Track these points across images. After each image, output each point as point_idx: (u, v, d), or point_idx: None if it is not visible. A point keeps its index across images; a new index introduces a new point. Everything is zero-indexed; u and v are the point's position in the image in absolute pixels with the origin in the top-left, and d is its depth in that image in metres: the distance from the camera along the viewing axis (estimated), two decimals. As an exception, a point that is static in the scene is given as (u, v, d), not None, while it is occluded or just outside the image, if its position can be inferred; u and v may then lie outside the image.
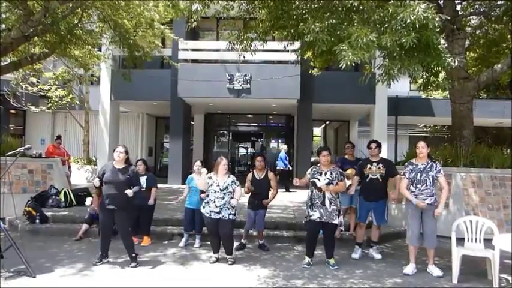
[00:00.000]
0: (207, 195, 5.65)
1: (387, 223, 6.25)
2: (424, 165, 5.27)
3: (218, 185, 5.55)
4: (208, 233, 5.81)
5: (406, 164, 5.50)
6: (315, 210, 5.44)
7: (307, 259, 5.52)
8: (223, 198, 5.51)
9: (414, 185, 5.26)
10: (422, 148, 5.27)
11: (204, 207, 5.65)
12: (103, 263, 5.40)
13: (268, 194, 6.27)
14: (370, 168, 5.95)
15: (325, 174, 5.46)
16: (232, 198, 5.53)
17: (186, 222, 6.54)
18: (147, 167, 6.76)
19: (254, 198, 6.26)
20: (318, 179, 5.46)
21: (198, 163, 6.69)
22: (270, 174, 6.33)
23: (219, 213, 5.50)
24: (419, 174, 5.24)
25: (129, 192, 5.26)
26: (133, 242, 5.60)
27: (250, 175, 6.37)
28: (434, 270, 5.17)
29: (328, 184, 5.39)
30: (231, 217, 5.55)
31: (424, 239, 5.28)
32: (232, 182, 5.61)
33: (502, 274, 4.94)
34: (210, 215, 5.54)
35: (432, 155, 5.95)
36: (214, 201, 5.52)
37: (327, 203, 5.38)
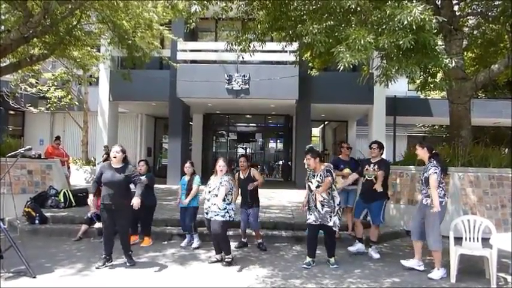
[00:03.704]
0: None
1: (382, 223, 6.19)
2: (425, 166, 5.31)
3: (210, 186, 5.63)
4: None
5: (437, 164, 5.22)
6: (311, 214, 5.50)
7: (308, 259, 5.52)
8: (208, 200, 5.58)
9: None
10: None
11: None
12: (106, 266, 5.30)
13: (254, 192, 6.29)
14: (367, 169, 6.03)
15: (316, 176, 5.46)
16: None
17: (195, 222, 6.51)
18: (148, 168, 6.84)
19: (243, 197, 6.30)
20: (312, 182, 5.48)
21: (188, 164, 6.67)
22: (253, 171, 6.38)
23: (207, 213, 5.58)
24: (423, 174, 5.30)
25: (136, 203, 5.27)
26: (129, 241, 5.65)
27: (237, 175, 6.42)
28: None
29: (317, 187, 5.42)
30: (218, 218, 5.40)
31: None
32: (220, 182, 5.49)
33: (500, 273, 4.97)
34: (204, 214, 5.68)
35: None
36: (208, 201, 5.61)
37: (319, 206, 5.40)
